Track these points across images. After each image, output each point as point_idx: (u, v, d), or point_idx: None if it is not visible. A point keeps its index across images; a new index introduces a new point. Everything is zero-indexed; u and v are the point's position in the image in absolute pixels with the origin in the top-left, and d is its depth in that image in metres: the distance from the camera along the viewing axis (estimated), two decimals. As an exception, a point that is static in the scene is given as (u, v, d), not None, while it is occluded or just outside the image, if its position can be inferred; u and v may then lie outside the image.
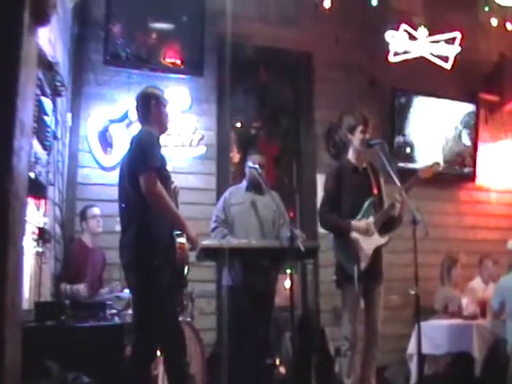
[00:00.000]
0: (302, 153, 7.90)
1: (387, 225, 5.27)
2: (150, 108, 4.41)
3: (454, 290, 7.17)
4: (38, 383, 3.76)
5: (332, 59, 7.87)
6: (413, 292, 4.82)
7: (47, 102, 4.43)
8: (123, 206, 4.27)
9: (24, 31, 2.66)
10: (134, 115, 6.48)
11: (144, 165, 4.05)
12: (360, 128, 5.34)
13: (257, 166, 5.54)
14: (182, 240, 4.15)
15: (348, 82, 7.91)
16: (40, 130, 4.19)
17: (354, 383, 5.12)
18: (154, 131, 4.33)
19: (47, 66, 4.34)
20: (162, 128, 4.48)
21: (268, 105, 8.09)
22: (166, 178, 4.23)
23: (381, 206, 5.36)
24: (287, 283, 6.72)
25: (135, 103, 4.55)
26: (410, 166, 7.81)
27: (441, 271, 7.26)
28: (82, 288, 5.67)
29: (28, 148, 2.86)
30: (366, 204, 5.26)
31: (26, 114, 2.73)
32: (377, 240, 5.22)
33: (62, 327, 4.26)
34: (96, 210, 6.10)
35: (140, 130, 4.43)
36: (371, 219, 5.22)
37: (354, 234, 5.15)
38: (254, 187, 5.71)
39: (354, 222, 5.17)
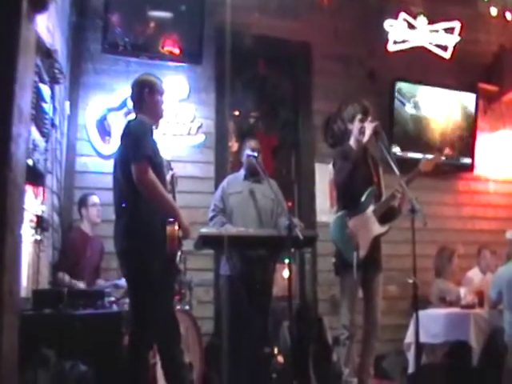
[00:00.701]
0: (301, 143, 7.90)
1: (386, 215, 5.26)
2: (144, 96, 4.38)
3: (450, 282, 7.16)
4: (35, 371, 3.77)
5: (331, 50, 7.84)
6: (411, 281, 4.81)
7: (45, 89, 4.42)
8: (116, 195, 4.26)
9: (22, 18, 2.66)
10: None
11: (135, 154, 4.03)
12: (359, 117, 5.34)
13: (255, 154, 5.53)
14: (174, 227, 4.11)
15: (347, 73, 7.89)
16: (38, 117, 4.17)
17: (352, 372, 5.12)
18: (146, 120, 4.31)
19: (45, 53, 4.33)
20: (156, 116, 4.46)
21: (266, 95, 8.07)
22: (159, 166, 4.21)
23: (380, 196, 5.37)
24: (285, 273, 6.72)
25: (130, 91, 4.53)
26: (409, 155, 7.78)
27: (436, 263, 7.24)
28: (80, 286, 5.66)
29: (26, 135, 2.86)
30: (367, 193, 5.25)
31: (24, 100, 2.73)
32: (377, 228, 5.22)
33: (60, 315, 4.26)
34: (95, 199, 6.09)
35: (132, 119, 4.41)
36: (371, 208, 5.22)
37: (352, 223, 5.16)
38: (252, 175, 5.69)
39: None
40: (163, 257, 4.06)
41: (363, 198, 5.24)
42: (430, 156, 5.52)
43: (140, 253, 4.03)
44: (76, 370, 3.93)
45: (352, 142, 5.44)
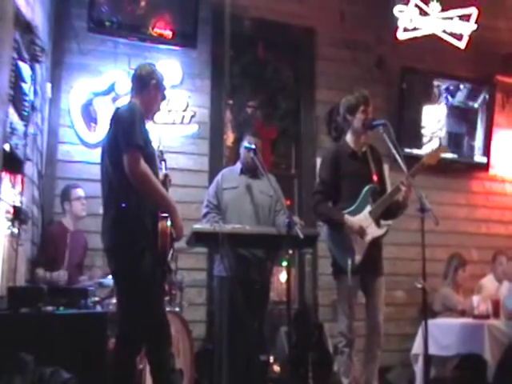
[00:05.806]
0: (302, 136, 7.88)
1: (390, 211, 5.20)
2: (149, 85, 4.33)
3: (455, 293, 7.11)
4: (11, 378, 3.72)
5: (336, 36, 7.87)
6: (420, 286, 4.75)
7: (25, 68, 4.38)
8: (105, 186, 4.20)
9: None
10: (120, 88, 6.45)
11: (127, 142, 3.97)
12: (362, 108, 5.27)
13: (253, 146, 5.46)
14: (167, 223, 4.06)
15: (353, 61, 7.90)
16: (17, 98, 4.14)
17: (353, 383, 5.06)
18: (140, 106, 4.23)
19: (25, 27, 4.28)
20: (152, 111, 4.42)
21: (266, 83, 8.04)
22: (150, 156, 4.15)
23: (382, 194, 5.29)
24: (283, 276, 6.68)
25: (136, 72, 4.43)
26: (418, 151, 7.70)
27: (446, 269, 7.19)
28: (61, 274, 5.59)
29: (3, 116, 2.80)
30: (364, 192, 5.17)
31: (1, 78, 2.66)
32: (374, 231, 5.13)
33: (39, 315, 4.23)
34: (80, 192, 6.03)
35: (125, 104, 4.34)
36: (368, 208, 5.14)
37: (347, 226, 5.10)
38: (249, 170, 5.66)
39: (347, 218, 5.08)
40: (154, 254, 4.01)
41: (359, 199, 5.16)
42: (434, 148, 5.45)
43: (129, 249, 3.98)
44: (57, 377, 3.89)
45: (349, 137, 5.37)
